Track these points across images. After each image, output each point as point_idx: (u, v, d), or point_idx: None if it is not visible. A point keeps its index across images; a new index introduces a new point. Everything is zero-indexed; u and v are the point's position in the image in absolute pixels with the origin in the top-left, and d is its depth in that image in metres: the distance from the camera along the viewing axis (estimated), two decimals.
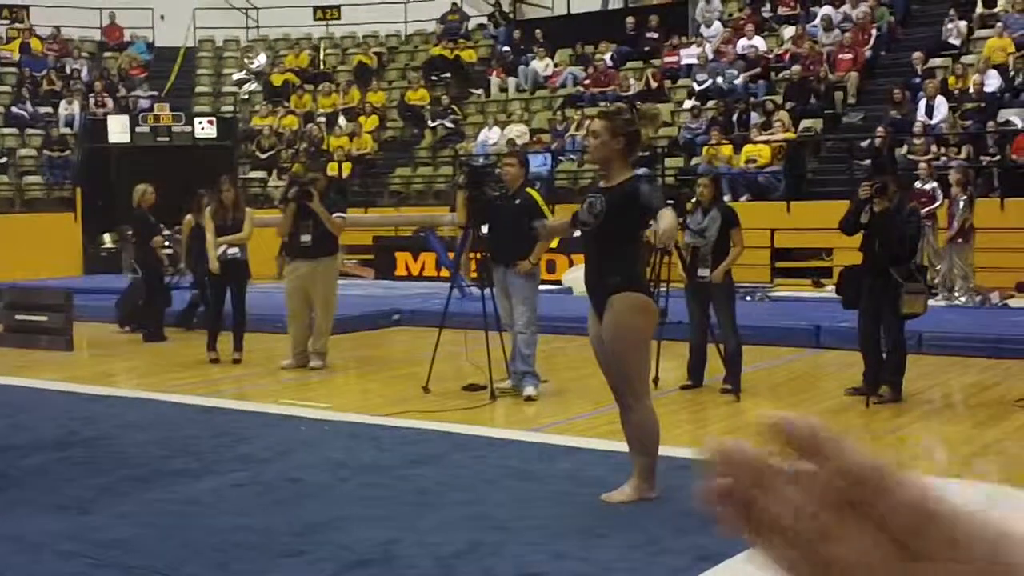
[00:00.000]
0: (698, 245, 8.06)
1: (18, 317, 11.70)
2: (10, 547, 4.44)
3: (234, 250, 10.07)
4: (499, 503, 4.87)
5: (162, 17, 24.86)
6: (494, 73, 21.93)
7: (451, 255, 15.06)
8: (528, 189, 8.27)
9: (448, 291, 8.83)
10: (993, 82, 16.64)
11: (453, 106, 21.34)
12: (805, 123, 17.62)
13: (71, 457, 6.04)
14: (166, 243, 18.03)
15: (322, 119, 22.10)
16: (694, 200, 8.40)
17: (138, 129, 20.84)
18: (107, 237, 20.41)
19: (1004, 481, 5.43)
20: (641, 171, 6.19)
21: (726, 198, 15.56)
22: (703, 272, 8.01)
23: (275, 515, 4.78)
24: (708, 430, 7.08)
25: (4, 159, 21.14)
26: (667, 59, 20.19)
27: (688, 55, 19.89)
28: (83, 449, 6.27)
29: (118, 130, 20.87)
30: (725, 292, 8.08)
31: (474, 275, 9.93)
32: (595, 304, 4.90)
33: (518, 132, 19.29)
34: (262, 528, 4.58)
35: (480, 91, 22.09)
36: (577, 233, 5.27)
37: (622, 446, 5.86)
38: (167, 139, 20.71)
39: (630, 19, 21.22)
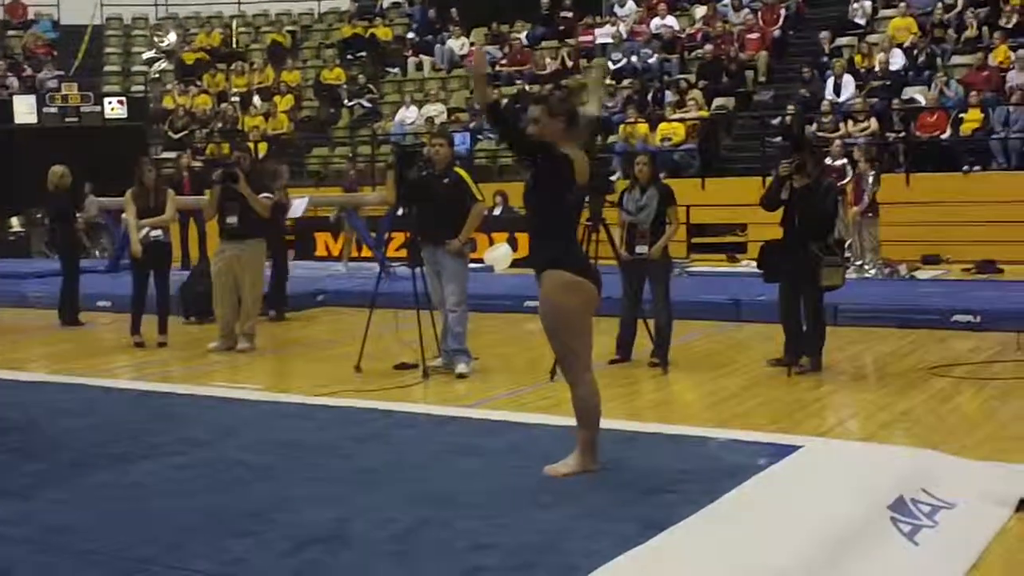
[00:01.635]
0: (636, 222, 8.24)
1: None
2: None
3: (157, 232, 9.97)
4: (445, 478, 4.97)
5: None
6: (410, 52, 21.89)
7: (373, 235, 15.09)
8: (456, 168, 8.36)
9: (378, 272, 8.88)
10: (898, 60, 17.13)
11: (370, 85, 21.27)
12: (718, 101, 17.95)
13: (5, 443, 5.97)
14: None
15: (236, 99, 21.86)
16: (631, 178, 8.59)
17: (45, 110, 20.43)
18: (14, 221, 19.96)
19: (922, 444, 5.69)
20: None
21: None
22: (641, 248, 8.19)
23: (222, 496, 4.81)
24: (638, 403, 7.26)
25: None
26: (582, 38, 20.36)
27: (602, 34, 20.10)
28: (16, 435, 6.21)
29: (24, 111, 20.42)
30: (663, 268, 8.29)
31: (399, 254, 10.00)
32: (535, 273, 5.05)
33: (436, 111, 19.32)
34: (211, 509, 4.61)
35: (396, 70, 22.04)
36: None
37: (560, 420, 6.03)
38: (76, 120, 20.34)
39: None
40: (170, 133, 21.34)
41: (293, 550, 4.04)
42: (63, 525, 4.48)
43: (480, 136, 19.04)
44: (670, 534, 4.04)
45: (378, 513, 4.44)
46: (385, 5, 24.15)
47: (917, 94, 16.51)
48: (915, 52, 17.18)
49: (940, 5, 17.82)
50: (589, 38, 20.26)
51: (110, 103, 20.68)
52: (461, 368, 8.08)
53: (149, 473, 5.26)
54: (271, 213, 9.81)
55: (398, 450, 5.59)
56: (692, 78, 18.26)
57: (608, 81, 18.75)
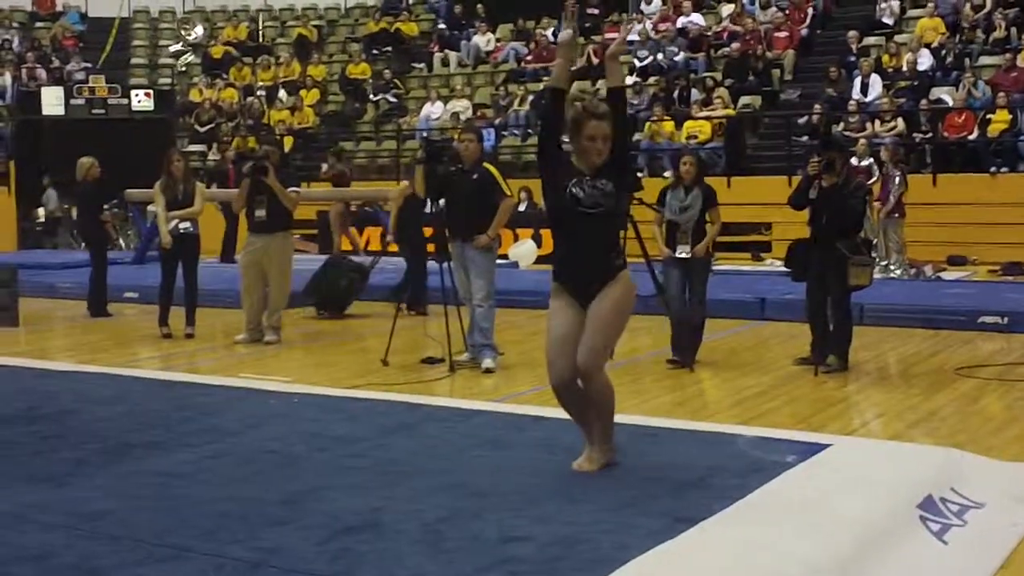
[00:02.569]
0: (678, 222, 8.19)
1: None
2: None
3: (186, 224, 10.05)
4: (475, 471, 5.01)
5: None
6: (436, 48, 21.93)
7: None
8: (486, 164, 8.39)
9: (406, 267, 8.93)
10: (925, 61, 17.06)
11: (395, 80, 21.32)
12: (744, 100, 17.93)
13: (40, 431, 6.05)
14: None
15: (262, 92, 21.96)
16: (675, 177, 8.52)
17: (72, 101, 20.57)
18: (41, 211, 20.12)
19: (948, 444, 5.69)
20: None
21: (667, 173, 15.82)
22: (683, 248, 8.14)
23: (256, 485, 4.87)
24: (665, 400, 7.28)
25: None
26: (608, 35, 20.34)
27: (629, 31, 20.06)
28: (49, 424, 6.28)
29: (52, 102, 20.57)
30: (705, 266, 8.28)
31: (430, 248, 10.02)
32: (585, 283, 4.98)
33: (461, 107, 19.36)
34: (245, 498, 4.67)
35: (422, 65, 22.09)
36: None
37: None
38: (103, 112, 20.47)
39: None
40: (196, 126, 21.46)
41: (327, 538, 4.09)
42: (99, 512, 4.54)
43: (505, 132, 19.07)
44: (701, 529, 4.06)
45: (409, 504, 4.49)
46: (411, 1, 24.20)
47: (945, 95, 16.45)
48: (943, 52, 17.11)
49: (969, 5, 17.74)
50: (615, 35, 20.24)
51: (137, 96, 20.81)
52: (488, 363, 8.12)
53: (182, 462, 5.32)
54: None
55: (426, 443, 5.63)
56: (718, 76, 18.24)
57: (633, 79, 18.74)
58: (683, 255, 8.17)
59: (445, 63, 21.76)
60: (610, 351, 5.08)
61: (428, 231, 10.05)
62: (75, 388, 7.44)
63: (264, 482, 4.92)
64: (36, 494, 4.82)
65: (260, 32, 24.61)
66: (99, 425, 6.22)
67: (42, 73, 22.11)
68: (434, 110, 19.75)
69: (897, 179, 13.66)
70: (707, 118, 17.34)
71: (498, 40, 21.56)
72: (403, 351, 8.57)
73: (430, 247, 9.41)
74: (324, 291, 11.31)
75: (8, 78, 21.86)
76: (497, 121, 19.15)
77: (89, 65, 22.87)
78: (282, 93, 21.94)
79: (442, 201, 8.39)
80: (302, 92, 21.63)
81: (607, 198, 4.90)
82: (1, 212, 19.51)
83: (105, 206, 12.28)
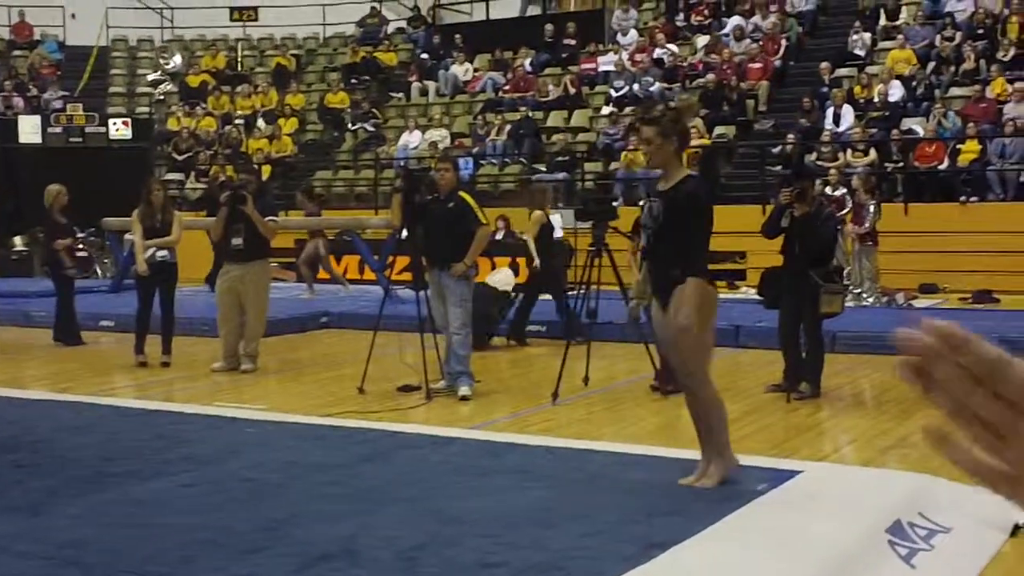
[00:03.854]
0: None
1: None
2: None
3: (163, 253, 10.07)
4: (450, 497, 5.05)
5: (73, 16, 24.51)
6: (414, 77, 22.06)
7: (376, 258, 15.17)
8: (461, 192, 8.47)
9: (383, 294, 8.98)
10: (896, 91, 17.29)
11: (374, 110, 21.42)
12: (719, 130, 18.09)
13: (15, 460, 6.05)
14: (80, 245, 17.82)
15: (240, 121, 22.00)
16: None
17: (50, 130, 20.54)
18: (18, 240, 20.03)
19: (920, 470, 5.77)
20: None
21: (641, 202, 15.93)
22: None
23: (231, 513, 4.89)
24: (642, 427, 7.33)
25: None
26: (584, 66, 20.54)
27: (605, 62, 20.26)
28: (25, 453, 6.28)
29: (29, 130, 20.55)
30: None
31: (402, 277, 10.06)
32: (662, 298, 5.18)
33: (439, 136, 19.46)
34: (221, 526, 4.69)
35: (400, 95, 22.20)
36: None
37: (562, 442, 6.11)
38: (80, 140, 20.46)
39: (548, 26, 21.55)
40: (174, 155, 21.47)
41: (303, 566, 4.12)
42: (74, 541, 4.56)
43: (483, 161, 19.19)
44: (672, 554, 4.12)
45: (385, 531, 4.52)
46: (390, 31, 24.34)
47: (915, 125, 16.67)
48: (914, 84, 17.35)
49: (939, 38, 18.02)
50: (592, 65, 20.44)
51: (115, 124, 20.82)
52: (464, 390, 8.16)
53: (157, 490, 5.33)
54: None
55: (403, 470, 5.67)
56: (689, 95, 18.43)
57: (609, 109, 18.91)
58: None
59: (423, 92, 21.89)
60: (701, 362, 5.32)
61: (404, 260, 10.11)
62: (51, 417, 7.44)
63: (240, 510, 4.94)
64: (11, 523, 4.83)
65: (239, 61, 24.68)
66: (75, 454, 6.23)
67: (19, 101, 22.08)
68: (412, 139, 19.86)
69: (871, 208, 13.82)
70: None
71: (476, 70, 21.71)
72: (379, 379, 8.60)
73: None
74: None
75: None
76: (475, 150, 19.26)
77: (66, 93, 22.86)
78: (260, 122, 22.00)
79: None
80: (280, 121, 21.70)
81: (653, 219, 5.12)
82: None
83: (80, 233, 12.27)
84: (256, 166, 18.34)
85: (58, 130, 20.48)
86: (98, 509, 5.04)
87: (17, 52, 24.44)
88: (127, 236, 13.60)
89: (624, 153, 17.63)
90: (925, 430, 0.94)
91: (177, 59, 24.35)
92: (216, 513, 4.90)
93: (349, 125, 21.45)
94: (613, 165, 17.64)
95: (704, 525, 4.46)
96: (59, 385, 9.16)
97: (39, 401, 8.13)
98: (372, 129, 21.19)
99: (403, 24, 24.52)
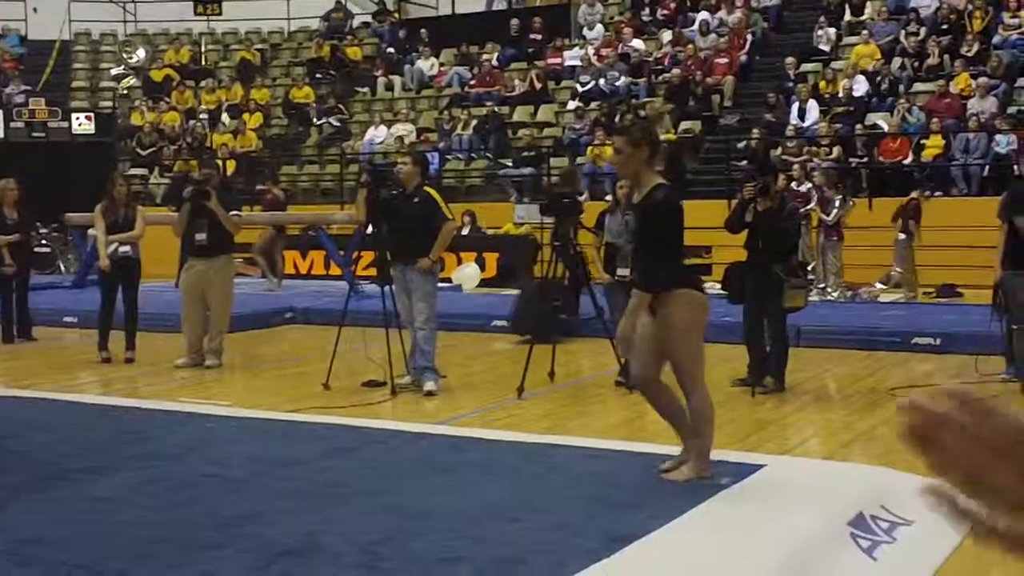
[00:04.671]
0: (618, 245, 8.20)
1: None
2: None
3: (126, 248, 9.97)
4: (414, 493, 5.03)
5: (35, 9, 24.24)
6: (380, 72, 21.98)
7: (342, 253, 15.12)
8: (427, 188, 8.43)
9: (348, 289, 8.94)
10: (861, 86, 17.39)
11: (339, 104, 21.32)
12: (685, 124, 18.14)
13: None
14: (43, 241, 17.59)
15: (204, 116, 21.84)
16: (613, 200, 8.59)
17: (12, 124, 20.29)
18: None
19: (882, 463, 5.81)
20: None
21: (607, 198, 15.95)
22: (623, 271, 8.06)
23: (192, 509, 4.86)
24: (607, 421, 7.34)
25: None
26: (550, 61, 20.54)
27: (571, 57, 20.27)
28: None
29: None
30: None
31: (367, 273, 10.02)
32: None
33: (405, 131, 19.40)
34: (181, 522, 4.65)
35: (366, 89, 22.12)
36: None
37: (526, 437, 6.11)
38: (43, 135, 20.23)
39: (514, 21, 21.53)
40: (138, 150, 21.28)
41: (264, 563, 4.09)
42: (34, 537, 4.51)
43: (449, 156, 19.15)
44: (636, 548, 4.12)
45: (348, 526, 4.50)
46: (355, 25, 24.23)
47: (880, 120, 16.78)
48: (878, 79, 17.47)
49: (903, 33, 18.14)
50: (558, 60, 20.44)
51: (78, 119, 20.60)
52: (429, 386, 8.14)
53: (119, 487, 5.29)
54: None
55: (367, 465, 5.65)
56: (659, 101, 18.46)
57: (575, 103, 18.92)
58: (622, 277, 8.22)
59: (389, 87, 21.81)
60: (695, 367, 5.41)
61: (369, 256, 10.06)
62: (11, 413, 7.35)
63: (201, 506, 4.91)
64: None
65: (203, 55, 24.49)
66: (35, 451, 6.16)
67: None
68: (378, 134, 19.78)
69: (837, 202, 13.90)
70: None
71: (442, 65, 21.65)
72: (344, 375, 8.56)
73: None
74: (532, 319, 10.27)
75: None
76: (441, 145, 19.21)
77: (28, 88, 22.60)
78: (225, 116, 21.85)
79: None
80: (245, 116, 21.56)
81: (630, 234, 5.17)
82: None
83: (43, 229, 12.09)
84: (219, 161, 18.24)
85: (20, 125, 20.24)
86: (58, 506, 4.99)
87: None
88: (90, 231, 13.46)
89: (590, 148, 17.65)
90: (926, 489, 0.90)
91: (141, 53, 24.14)
92: (177, 509, 4.86)
93: (314, 120, 21.35)
94: (579, 160, 17.64)
95: (668, 519, 4.47)
96: (21, 382, 9.05)
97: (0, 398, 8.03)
98: (337, 124, 21.10)
99: (368, 18, 24.41)
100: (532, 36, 21.11)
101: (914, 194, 14.04)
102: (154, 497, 5.08)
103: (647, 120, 5.44)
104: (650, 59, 19.61)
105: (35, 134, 20.17)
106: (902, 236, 13.60)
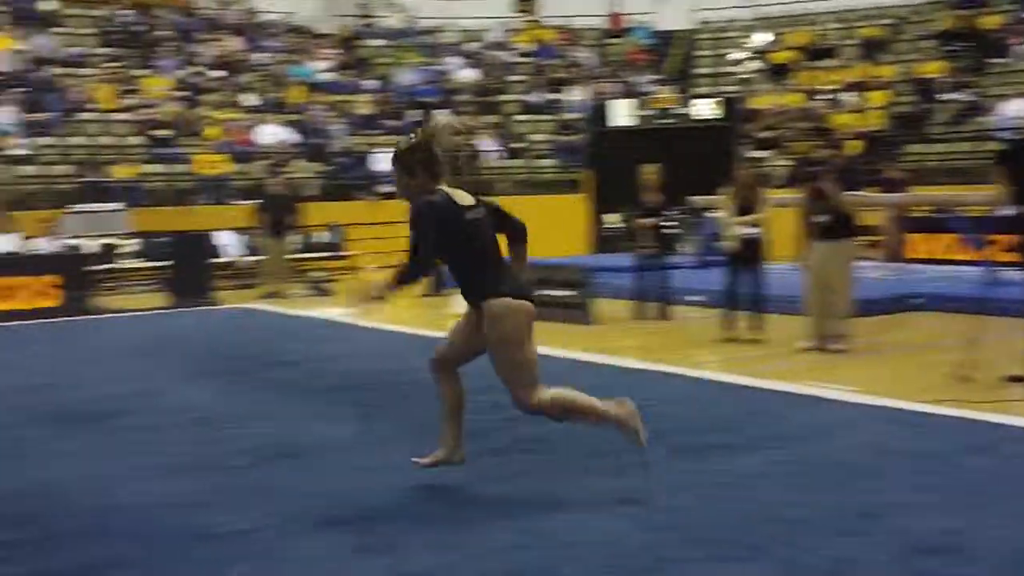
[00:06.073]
0: None
1: (542, 292, 12.39)
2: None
3: (751, 230, 10.15)
4: None
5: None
6: (1017, 42, 20.32)
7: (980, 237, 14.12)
8: None
9: (987, 275, 8.31)
10: None
11: (971, 77, 20.05)
12: None
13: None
14: (665, 223, 18.52)
15: (830, 96, 21.68)
16: None
17: (641, 112, 21.56)
18: (611, 217, 21.27)
19: None
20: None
21: None
22: None
23: (827, 494, 4.79)
24: None
25: (519, 144, 22.84)
26: None
27: None
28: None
29: (622, 114, 21.71)
30: None
31: (1006, 257, 9.25)
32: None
33: None
34: (817, 505, 4.62)
35: (1007, 60, 20.55)
36: None
37: None
38: (669, 121, 21.26)
39: None
40: (760, 133, 21.62)
41: (902, 556, 3.91)
42: (673, 506, 4.69)
43: None
44: None
45: (992, 529, 4.16)
46: None
47: None
48: None
49: None
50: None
51: (701, 104, 21.38)
52: None
53: (750, 464, 5.34)
54: None
55: (1010, 465, 5.19)
56: None
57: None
58: None
59: None
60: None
61: (1007, 239, 9.28)
62: (644, 387, 7.74)
63: (836, 491, 4.83)
64: (600, 483, 5.07)
65: (825, 35, 24.31)
66: (665, 424, 6.41)
67: (613, 86, 23.50)
68: (1013, 107, 18.26)
69: None
70: None
71: None
72: (982, 367, 7.91)
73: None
74: None
75: (583, 93, 23.50)
76: None
77: (656, 76, 23.94)
78: (846, 95, 21.49)
79: None
80: (868, 94, 21.02)
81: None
82: (578, 217, 20.90)
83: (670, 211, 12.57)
84: (840, 141, 17.99)
85: (648, 112, 21.43)
86: (689, 478, 5.15)
87: (610, 40, 26.15)
88: (715, 213, 13.91)
89: None
90: None
91: (763, 37, 24.51)
92: (812, 492, 4.84)
93: (940, 95, 20.26)
94: None
95: None
96: (652, 356, 9.48)
97: (633, 370, 8.51)
98: (967, 98, 19.82)
99: None
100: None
101: None
102: (787, 478, 5.09)
103: (420, 140, 4.63)
104: None
105: (662, 120, 21.26)
106: None
